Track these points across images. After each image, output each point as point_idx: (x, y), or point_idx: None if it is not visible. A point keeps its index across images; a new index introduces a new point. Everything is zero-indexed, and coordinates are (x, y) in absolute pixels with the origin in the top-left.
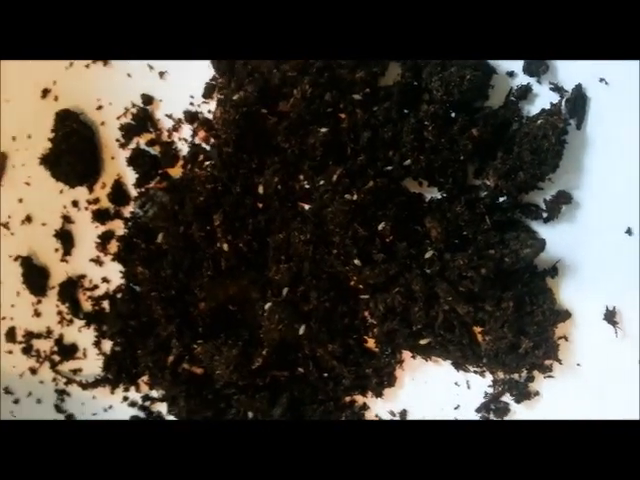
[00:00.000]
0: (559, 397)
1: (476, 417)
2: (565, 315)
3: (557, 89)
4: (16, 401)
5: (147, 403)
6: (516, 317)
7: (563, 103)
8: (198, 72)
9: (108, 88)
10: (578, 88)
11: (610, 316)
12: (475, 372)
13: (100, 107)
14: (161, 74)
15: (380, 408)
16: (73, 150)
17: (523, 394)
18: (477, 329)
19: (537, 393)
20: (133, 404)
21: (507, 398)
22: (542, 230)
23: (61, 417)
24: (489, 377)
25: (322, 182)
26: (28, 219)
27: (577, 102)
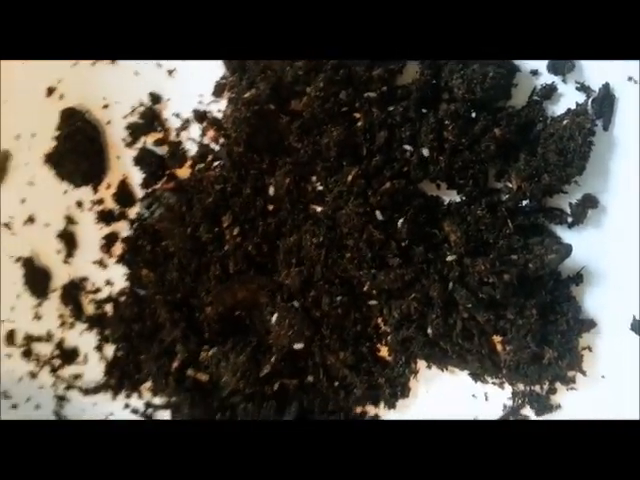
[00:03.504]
0: (582, 411)
1: None
2: (590, 324)
3: (583, 88)
4: (14, 406)
5: (149, 411)
6: (539, 326)
7: (589, 103)
8: (208, 70)
9: (115, 86)
10: (605, 87)
11: (637, 326)
12: (494, 384)
13: (106, 106)
14: (170, 72)
15: None
16: (78, 149)
17: (544, 407)
18: (497, 339)
19: (559, 406)
20: (135, 411)
21: (527, 411)
22: (567, 235)
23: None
24: (508, 389)
25: (336, 183)
26: (30, 220)
27: (604, 102)
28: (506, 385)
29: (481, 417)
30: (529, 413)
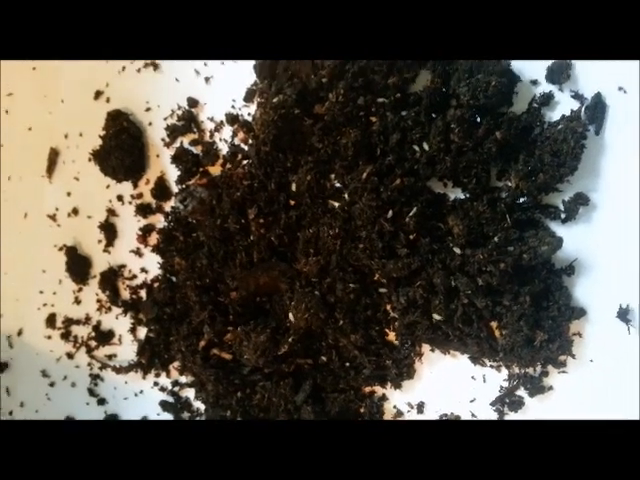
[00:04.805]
0: (572, 392)
1: (491, 410)
2: (580, 312)
3: (578, 97)
4: (52, 384)
5: (176, 388)
6: (532, 311)
7: (583, 110)
8: (241, 77)
9: (157, 91)
10: (598, 96)
11: (623, 314)
12: (491, 367)
13: (148, 109)
14: (207, 79)
15: (398, 400)
16: (122, 147)
17: (537, 388)
18: (494, 325)
19: (551, 388)
20: (163, 389)
21: (522, 392)
22: (560, 230)
23: (94, 400)
24: (504, 372)
25: (352, 180)
26: (75, 211)
27: (596, 109)
28: (502, 368)
29: (479, 397)
30: (523, 394)
